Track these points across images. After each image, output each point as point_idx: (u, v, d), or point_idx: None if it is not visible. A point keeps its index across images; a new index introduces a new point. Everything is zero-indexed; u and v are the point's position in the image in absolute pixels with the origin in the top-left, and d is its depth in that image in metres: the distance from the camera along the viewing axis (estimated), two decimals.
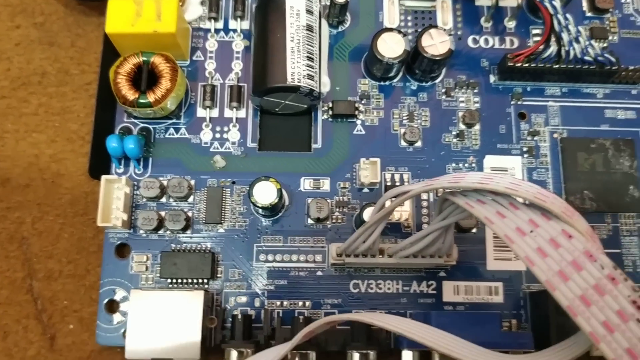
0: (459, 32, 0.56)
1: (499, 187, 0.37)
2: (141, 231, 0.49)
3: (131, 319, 0.44)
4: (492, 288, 0.49)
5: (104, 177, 0.48)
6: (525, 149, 0.52)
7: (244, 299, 0.48)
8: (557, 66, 0.52)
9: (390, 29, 0.51)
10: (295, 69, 0.48)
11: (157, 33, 0.49)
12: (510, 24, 0.56)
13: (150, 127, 0.52)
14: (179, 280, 0.47)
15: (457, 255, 0.46)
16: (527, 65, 0.52)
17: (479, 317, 0.45)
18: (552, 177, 0.52)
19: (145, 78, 0.49)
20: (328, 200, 0.49)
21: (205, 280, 0.48)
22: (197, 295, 0.44)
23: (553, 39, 0.51)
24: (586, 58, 0.51)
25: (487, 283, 0.49)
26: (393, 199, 0.41)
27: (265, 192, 0.46)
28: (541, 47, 0.52)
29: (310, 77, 0.48)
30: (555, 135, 0.53)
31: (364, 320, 0.41)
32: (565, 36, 0.50)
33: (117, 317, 0.47)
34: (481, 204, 0.38)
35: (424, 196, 0.51)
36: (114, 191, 0.48)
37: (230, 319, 0.46)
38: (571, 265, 0.34)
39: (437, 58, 0.50)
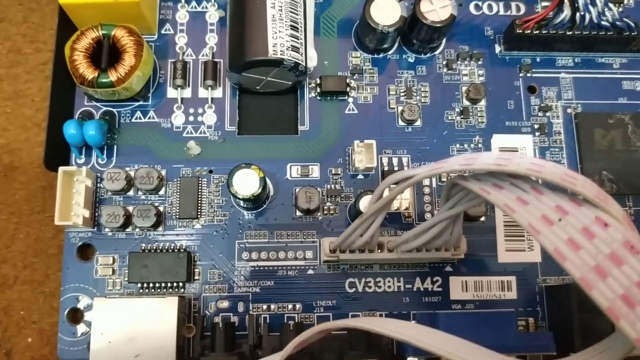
0: None
1: (519, 169, 0.32)
2: (106, 229, 0.43)
3: (95, 331, 0.38)
4: (505, 283, 0.44)
5: (61, 169, 0.42)
6: (536, 127, 0.47)
7: (225, 304, 0.42)
8: (570, 33, 0.46)
9: None
10: (278, 40, 0.42)
11: (118, 2, 0.42)
12: None
13: (114, 110, 0.45)
14: (150, 285, 0.42)
15: (465, 248, 0.41)
16: (537, 32, 0.46)
17: (492, 318, 0.40)
18: (567, 157, 0.46)
19: (105, 54, 0.42)
20: (318, 189, 0.44)
21: (181, 284, 0.42)
22: (170, 302, 0.39)
23: (566, 2, 0.46)
24: (603, 23, 0.46)
25: (499, 277, 0.44)
26: (394, 185, 0.36)
27: (247, 182, 0.40)
28: (552, 11, 0.46)
29: (295, 49, 0.42)
30: (569, 111, 0.48)
31: (362, 327, 0.35)
32: None
33: (81, 328, 0.42)
34: (498, 189, 0.33)
35: (426, 182, 0.45)
36: (73, 184, 0.42)
37: (210, 327, 0.40)
38: (609, 259, 0.29)
39: (438, 25, 0.44)
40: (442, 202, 0.37)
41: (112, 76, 0.42)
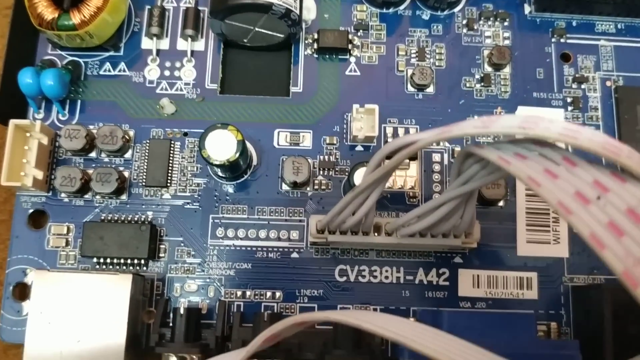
0: None
1: (550, 133, 0.26)
2: (62, 195, 0.37)
3: (33, 310, 0.32)
4: (524, 280, 0.37)
5: (12, 122, 0.36)
6: (569, 100, 0.40)
7: (194, 287, 0.36)
8: None
9: None
10: None
11: None
12: None
13: (81, 61, 0.40)
14: (107, 260, 0.36)
15: (479, 235, 0.35)
16: None
17: (507, 319, 0.34)
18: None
19: None
20: (309, 160, 0.37)
21: (143, 262, 0.36)
22: (123, 279, 0.33)
23: None
24: None
25: (517, 273, 0.38)
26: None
27: (222, 145, 0.34)
28: None
29: None
30: (608, 84, 0.41)
31: (346, 321, 0.29)
32: None
33: (27, 306, 0.36)
34: (521, 159, 0.27)
35: (437, 157, 0.39)
36: (25, 140, 0.36)
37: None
38: None
39: None
40: (452, 178, 0.30)
41: (75, 18, 0.36)
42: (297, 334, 0.33)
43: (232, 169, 0.36)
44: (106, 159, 0.38)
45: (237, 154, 0.34)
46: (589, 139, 0.25)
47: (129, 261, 0.36)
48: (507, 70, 0.40)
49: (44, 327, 0.32)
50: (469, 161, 0.30)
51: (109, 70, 0.40)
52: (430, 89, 0.40)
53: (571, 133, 0.25)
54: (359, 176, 0.35)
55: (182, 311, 0.33)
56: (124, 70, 0.40)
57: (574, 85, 0.40)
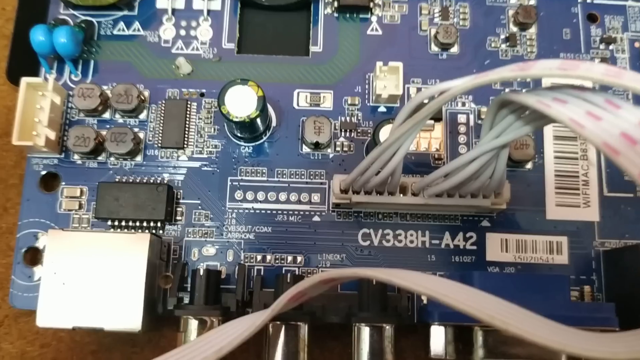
0: None
1: (593, 74, 0.24)
2: (75, 156, 0.36)
3: (47, 269, 0.31)
4: (554, 244, 0.36)
5: (24, 80, 0.35)
6: (597, 61, 0.39)
7: (212, 251, 0.35)
8: None
9: None
10: None
11: None
12: None
13: (94, 20, 0.38)
14: (122, 223, 0.34)
15: (509, 195, 0.33)
16: None
17: (540, 281, 0.32)
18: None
19: None
20: (331, 121, 0.36)
21: (159, 224, 0.35)
22: (140, 239, 0.31)
23: None
24: None
25: (547, 237, 0.36)
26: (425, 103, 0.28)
27: (242, 101, 0.33)
28: None
29: None
30: (636, 45, 0.39)
31: (376, 276, 0.27)
32: None
33: (39, 271, 0.35)
34: (562, 103, 0.25)
35: (462, 118, 0.37)
36: (37, 99, 0.35)
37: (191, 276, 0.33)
38: None
39: None
40: (484, 131, 0.29)
41: None
42: (321, 297, 0.32)
43: (251, 128, 0.34)
44: (120, 120, 0.37)
45: (258, 111, 0.33)
46: (633, 78, 0.24)
47: (144, 224, 0.34)
48: (532, 30, 0.39)
49: (58, 288, 0.31)
50: (503, 112, 0.28)
51: (123, 30, 0.38)
52: (455, 49, 0.39)
53: (613, 73, 0.24)
54: (384, 134, 0.34)
55: (201, 272, 0.32)
56: (139, 30, 0.38)
57: (602, 46, 0.39)
